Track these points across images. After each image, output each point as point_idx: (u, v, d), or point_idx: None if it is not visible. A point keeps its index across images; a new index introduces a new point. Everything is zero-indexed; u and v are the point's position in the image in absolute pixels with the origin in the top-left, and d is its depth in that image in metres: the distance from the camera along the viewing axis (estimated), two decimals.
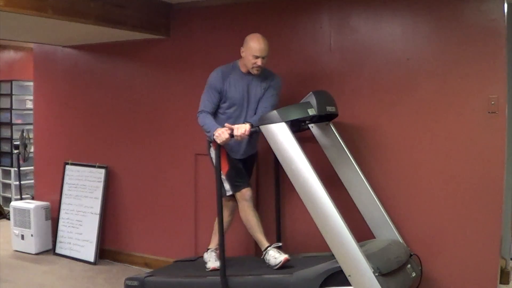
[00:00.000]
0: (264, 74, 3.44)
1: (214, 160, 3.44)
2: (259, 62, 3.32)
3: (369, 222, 3.42)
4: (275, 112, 3.07)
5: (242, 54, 3.40)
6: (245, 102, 3.44)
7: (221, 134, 3.23)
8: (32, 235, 4.93)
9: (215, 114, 3.47)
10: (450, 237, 3.34)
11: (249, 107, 3.45)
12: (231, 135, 3.24)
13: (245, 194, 3.43)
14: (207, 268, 3.52)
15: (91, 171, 4.81)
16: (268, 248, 3.34)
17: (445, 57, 3.34)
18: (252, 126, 3.25)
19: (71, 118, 5.03)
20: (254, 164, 3.76)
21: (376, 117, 3.55)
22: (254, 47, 3.31)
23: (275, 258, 3.28)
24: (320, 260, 3.15)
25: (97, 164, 4.79)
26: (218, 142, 3.25)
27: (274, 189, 3.77)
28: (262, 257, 3.38)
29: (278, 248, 3.35)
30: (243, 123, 3.33)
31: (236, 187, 3.44)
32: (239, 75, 3.43)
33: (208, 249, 3.65)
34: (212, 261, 3.54)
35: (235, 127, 3.23)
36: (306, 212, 3.01)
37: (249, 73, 3.41)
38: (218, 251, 3.51)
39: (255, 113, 3.44)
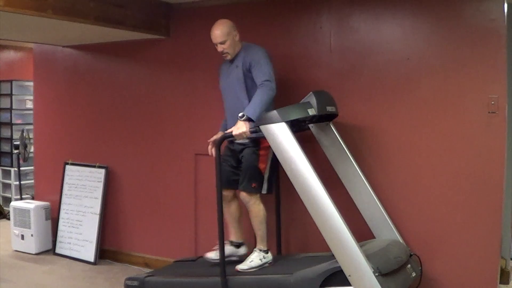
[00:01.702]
0: (240, 52, 3.46)
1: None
2: (219, 48, 3.42)
3: (369, 222, 3.42)
4: (275, 112, 3.06)
5: None
6: (226, 87, 3.54)
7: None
8: (32, 235, 4.93)
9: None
10: (450, 237, 3.34)
11: (228, 88, 3.51)
12: (226, 137, 3.27)
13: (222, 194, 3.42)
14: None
15: (91, 171, 4.81)
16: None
17: (445, 57, 3.34)
18: (251, 120, 3.18)
19: (71, 118, 5.03)
20: (247, 160, 3.40)
21: (376, 117, 3.55)
22: (211, 36, 3.44)
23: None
24: (320, 260, 3.16)
25: (97, 164, 4.79)
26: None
27: (274, 189, 3.76)
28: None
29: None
30: (231, 109, 3.43)
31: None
32: (226, 65, 3.58)
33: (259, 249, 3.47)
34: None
35: (234, 131, 3.20)
36: (306, 212, 3.01)
37: (231, 60, 3.50)
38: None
39: (236, 95, 3.43)
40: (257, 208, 3.41)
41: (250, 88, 3.37)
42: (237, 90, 3.42)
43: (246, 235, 3.65)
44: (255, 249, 3.45)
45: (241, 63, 3.41)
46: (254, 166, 3.39)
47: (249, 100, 3.30)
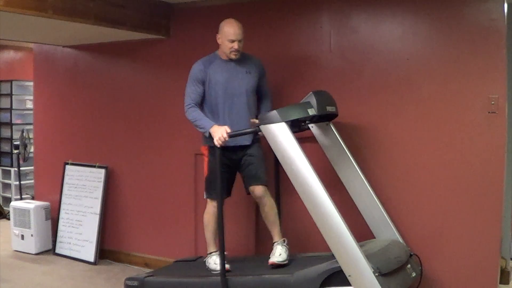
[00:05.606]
0: (244, 58, 3.47)
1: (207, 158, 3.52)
2: (235, 45, 3.35)
3: (369, 222, 3.42)
4: (275, 112, 3.07)
5: (219, 41, 3.43)
6: (232, 88, 3.42)
7: (221, 137, 3.22)
8: (32, 235, 4.93)
9: (202, 107, 3.49)
10: (450, 237, 3.34)
11: (235, 91, 3.41)
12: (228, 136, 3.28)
13: (216, 204, 3.41)
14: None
15: (91, 171, 4.81)
16: (213, 253, 3.49)
17: (445, 57, 3.34)
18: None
19: (71, 118, 5.03)
20: (256, 157, 3.46)
21: (376, 117, 3.55)
22: (228, 31, 3.35)
23: (216, 264, 3.39)
24: (320, 260, 3.16)
25: (97, 164, 4.79)
26: (219, 143, 3.23)
27: (274, 189, 3.76)
28: (204, 259, 3.59)
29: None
30: (239, 113, 3.41)
31: (209, 194, 3.50)
32: (221, 62, 3.45)
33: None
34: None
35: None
36: (306, 212, 3.01)
37: (230, 60, 3.43)
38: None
39: (247, 100, 3.44)
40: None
41: (254, 95, 3.53)
42: (249, 95, 3.46)
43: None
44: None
45: (254, 70, 3.48)
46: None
47: (256, 107, 3.53)
